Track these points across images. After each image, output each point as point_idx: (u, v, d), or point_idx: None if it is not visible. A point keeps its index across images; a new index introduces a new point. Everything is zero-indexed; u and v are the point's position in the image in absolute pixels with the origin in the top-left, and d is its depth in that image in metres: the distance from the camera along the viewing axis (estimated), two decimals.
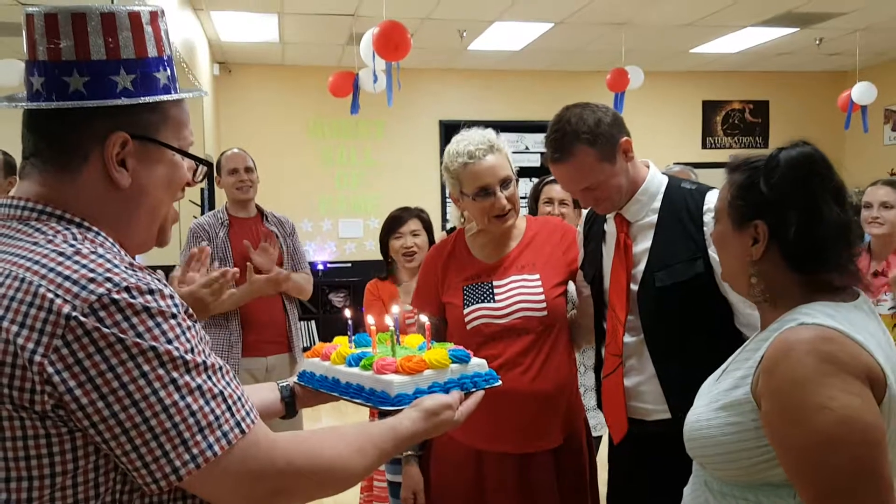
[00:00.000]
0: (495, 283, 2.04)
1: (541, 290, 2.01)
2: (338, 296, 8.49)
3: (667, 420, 1.81)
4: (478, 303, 2.02)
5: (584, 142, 1.79)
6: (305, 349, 2.23)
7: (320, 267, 8.16)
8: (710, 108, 9.30)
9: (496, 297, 2.02)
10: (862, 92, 6.95)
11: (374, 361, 1.37)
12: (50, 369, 0.88)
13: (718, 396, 1.29)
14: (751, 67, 8.92)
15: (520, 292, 2.02)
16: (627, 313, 1.88)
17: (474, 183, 2.02)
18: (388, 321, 1.50)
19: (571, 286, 2.18)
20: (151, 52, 1.04)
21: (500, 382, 1.45)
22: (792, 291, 1.27)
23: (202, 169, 1.14)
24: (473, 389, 1.37)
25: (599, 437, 2.88)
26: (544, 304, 2.00)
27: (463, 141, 2.05)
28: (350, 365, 1.42)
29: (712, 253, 1.75)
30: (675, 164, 4.42)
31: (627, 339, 1.89)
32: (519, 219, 2.17)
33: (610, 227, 1.97)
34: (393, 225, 2.98)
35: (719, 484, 1.28)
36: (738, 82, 9.26)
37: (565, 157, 1.82)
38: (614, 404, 1.92)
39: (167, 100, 1.06)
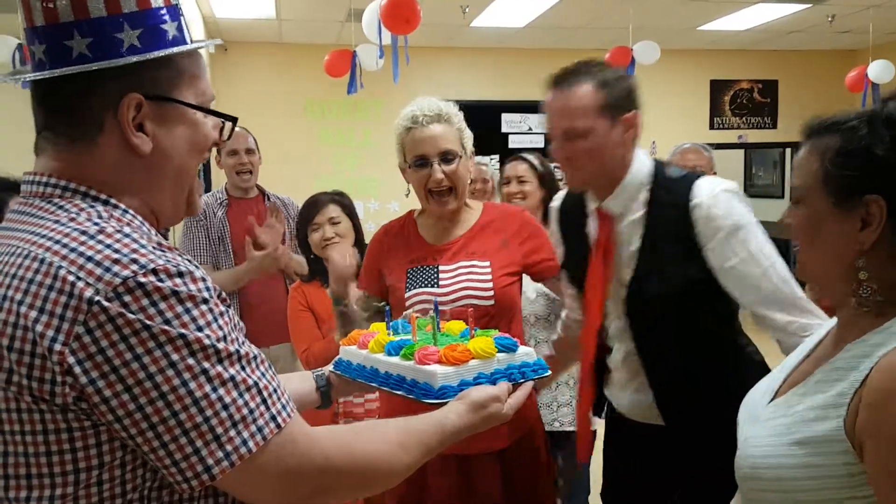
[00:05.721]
0: (442, 267, 1.92)
1: (489, 277, 1.88)
2: None
3: (659, 426, 1.69)
4: (421, 286, 1.90)
5: (592, 82, 1.64)
6: None
7: None
8: (717, 87, 9.10)
9: (441, 282, 1.90)
10: (880, 70, 6.73)
11: (416, 350, 1.29)
12: (71, 359, 0.81)
13: (793, 427, 1.03)
14: (760, 46, 8.73)
15: (467, 279, 1.89)
16: (600, 329, 1.75)
17: (413, 150, 1.93)
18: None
19: (529, 285, 2.02)
20: (156, 1, 0.96)
21: (549, 373, 1.37)
22: None
23: (229, 125, 1.05)
24: (522, 380, 1.29)
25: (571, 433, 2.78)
26: (491, 294, 1.86)
27: (413, 105, 1.96)
28: (389, 354, 1.35)
29: (710, 254, 1.57)
30: (686, 143, 4.20)
31: (617, 347, 1.77)
32: (475, 204, 2.05)
33: (592, 224, 1.78)
34: (309, 214, 2.70)
35: None
36: (746, 61, 9.06)
37: (566, 86, 1.66)
38: (583, 430, 1.87)
39: (178, 52, 0.97)
